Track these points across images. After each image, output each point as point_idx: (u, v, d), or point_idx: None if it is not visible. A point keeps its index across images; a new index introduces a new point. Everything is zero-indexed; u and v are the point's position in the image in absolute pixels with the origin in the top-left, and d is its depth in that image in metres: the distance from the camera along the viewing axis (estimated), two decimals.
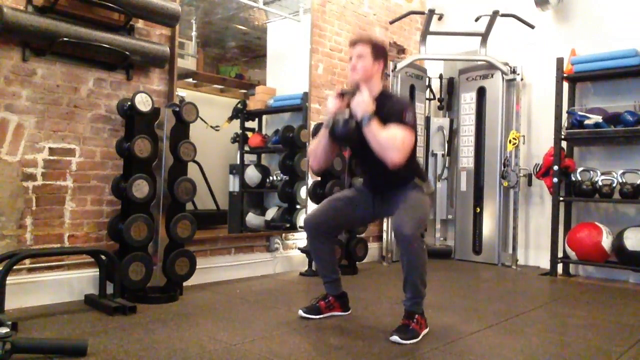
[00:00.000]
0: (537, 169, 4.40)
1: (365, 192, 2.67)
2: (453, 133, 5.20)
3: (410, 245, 2.31)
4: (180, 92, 3.76)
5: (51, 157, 2.85)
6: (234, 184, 4.38)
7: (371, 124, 2.32)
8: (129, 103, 2.96)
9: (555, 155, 4.18)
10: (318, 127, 3.79)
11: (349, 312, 2.77)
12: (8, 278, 2.43)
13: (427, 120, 5.16)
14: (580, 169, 4.19)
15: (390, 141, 2.30)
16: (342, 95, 2.50)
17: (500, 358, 2.17)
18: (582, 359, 2.18)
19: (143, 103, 2.95)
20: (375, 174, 2.60)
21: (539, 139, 4.63)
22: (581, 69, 4.18)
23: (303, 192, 4.16)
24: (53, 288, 2.83)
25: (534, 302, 3.31)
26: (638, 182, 3.87)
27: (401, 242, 2.34)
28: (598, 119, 3.97)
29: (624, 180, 3.94)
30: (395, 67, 4.75)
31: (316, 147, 2.58)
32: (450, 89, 5.29)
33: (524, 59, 4.74)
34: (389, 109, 2.41)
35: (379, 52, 2.53)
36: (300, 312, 2.67)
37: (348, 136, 2.41)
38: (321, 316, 2.67)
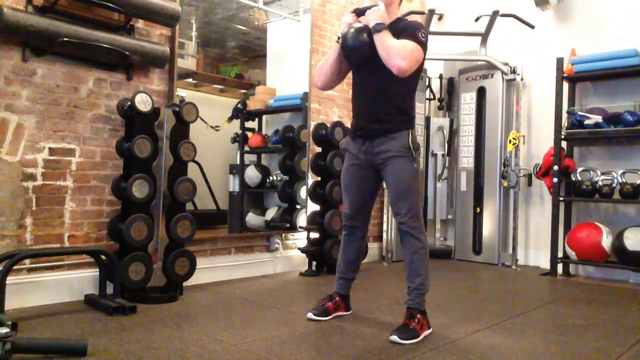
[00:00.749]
0: (537, 169, 4.40)
1: (355, 156, 2.56)
2: (453, 133, 5.20)
3: (412, 231, 2.41)
4: (180, 92, 3.75)
5: (51, 157, 2.85)
6: (234, 184, 4.38)
7: (383, 32, 2.34)
8: (129, 103, 2.96)
9: (555, 155, 4.18)
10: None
11: (350, 311, 2.77)
12: (8, 278, 2.43)
13: (427, 120, 5.16)
14: (580, 169, 4.19)
15: (399, 48, 2.31)
16: (357, 13, 2.50)
17: (500, 358, 2.17)
18: (582, 359, 2.18)
19: (143, 103, 2.95)
20: (370, 102, 2.51)
21: (539, 139, 4.63)
22: (581, 69, 4.19)
23: (303, 192, 4.16)
24: (53, 288, 2.83)
25: (534, 302, 3.31)
26: (638, 182, 3.87)
27: (402, 229, 2.45)
28: (598, 119, 3.97)
29: (624, 180, 3.94)
30: None
31: (324, 63, 2.58)
32: (450, 89, 5.29)
33: (524, 59, 4.74)
34: (402, 28, 2.45)
35: None
36: (310, 315, 2.64)
37: (358, 47, 2.40)
38: (330, 317, 2.67)
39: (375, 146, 2.49)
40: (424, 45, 2.40)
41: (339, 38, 2.48)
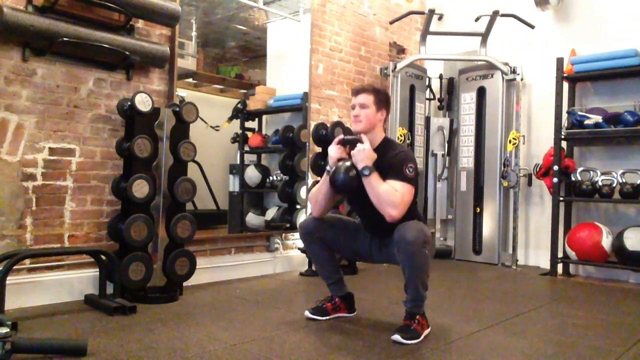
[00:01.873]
0: (537, 169, 4.40)
1: (364, 233, 2.66)
2: (453, 133, 5.20)
3: (411, 248, 2.29)
4: (180, 92, 3.76)
5: (51, 157, 2.85)
6: (234, 184, 4.38)
7: (371, 176, 2.33)
8: (129, 103, 2.96)
9: (555, 155, 4.18)
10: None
11: (355, 313, 2.76)
12: (8, 278, 2.43)
13: (427, 120, 5.16)
14: (580, 169, 4.19)
15: (389, 196, 2.31)
16: (344, 143, 2.50)
17: (500, 358, 2.17)
18: (582, 359, 2.18)
19: (143, 103, 2.95)
20: (374, 223, 2.56)
21: (539, 139, 4.63)
22: (581, 69, 4.19)
23: (303, 192, 4.16)
24: (53, 288, 2.83)
25: (534, 302, 3.31)
26: (638, 182, 3.87)
27: (403, 245, 2.31)
28: (598, 119, 3.97)
29: (624, 180, 3.94)
30: (395, 67, 4.75)
31: (317, 193, 2.59)
32: (450, 89, 5.29)
33: (524, 59, 4.74)
34: (390, 161, 2.41)
35: (382, 100, 2.52)
36: (307, 314, 2.66)
37: (348, 185, 2.40)
38: (327, 317, 2.66)
39: (386, 240, 2.54)
40: (413, 182, 2.39)
41: (328, 170, 2.48)
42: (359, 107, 2.48)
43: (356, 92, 2.54)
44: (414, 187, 2.40)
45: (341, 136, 2.55)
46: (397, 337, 2.30)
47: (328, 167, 2.50)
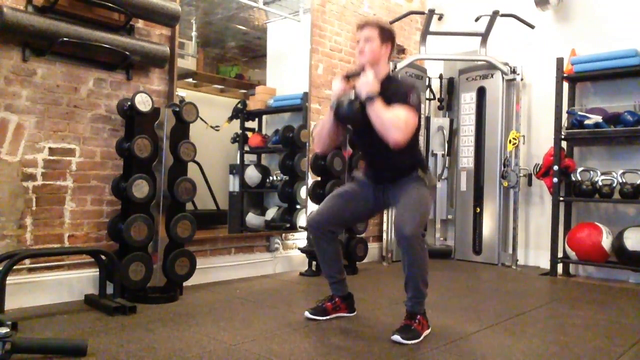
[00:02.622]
0: (537, 169, 4.40)
1: (366, 185, 2.63)
2: (453, 133, 5.20)
3: (411, 245, 2.31)
4: (180, 92, 3.76)
5: (51, 157, 2.85)
6: (234, 184, 4.38)
7: (374, 102, 2.32)
8: (129, 103, 2.96)
9: (555, 155, 4.18)
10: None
11: (355, 313, 2.76)
12: (8, 278, 2.43)
13: (427, 120, 5.16)
14: (580, 169, 4.19)
15: (393, 120, 2.29)
16: (347, 77, 2.50)
17: (500, 358, 2.17)
18: (582, 359, 2.18)
19: (143, 103, 2.95)
20: (378, 160, 2.57)
21: (539, 139, 4.63)
22: (581, 69, 4.18)
23: (303, 192, 4.16)
24: (53, 288, 2.83)
25: (534, 302, 3.31)
26: (638, 182, 3.87)
27: (402, 242, 2.34)
28: (598, 119, 3.97)
29: (624, 180, 3.94)
30: (395, 67, 4.74)
31: (321, 129, 2.58)
32: (450, 89, 5.29)
33: (524, 59, 4.74)
34: (394, 91, 2.42)
35: (387, 35, 2.51)
36: (307, 314, 2.65)
37: (352, 117, 2.42)
38: (327, 317, 2.66)
39: (389, 187, 2.56)
40: (417, 109, 2.39)
41: (332, 106, 2.48)
42: (363, 41, 2.48)
43: (361, 26, 2.53)
44: (417, 116, 2.40)
45: (339, 76, 2.55)
46: (397, 337, 2.30)
47: (331, 103, 2.50)
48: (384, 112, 2.31)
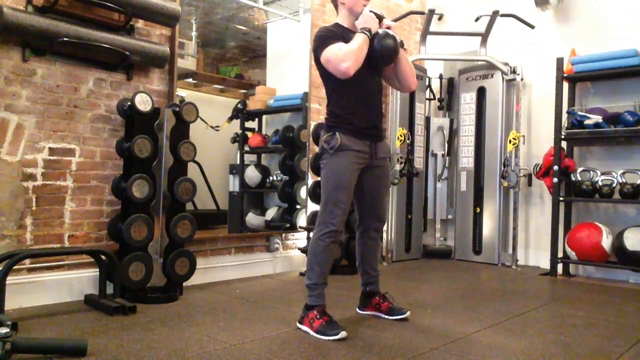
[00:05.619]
0: (537, 169, 4.40)
1: (361, 154, 2.50)
2: (453, 133, 5.20)
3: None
4: (180, 92, 3.75)
5: (51, 157, 2.85)
6: (234, 184, 4.38)
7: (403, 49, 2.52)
8: (129, 103, 2.96)
9: (555, 155, 4.17)
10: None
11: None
12: (8, 278, 2.43)
13: (427, 120, 5.16)
14: (580, 169, 4.19)
15: (412, 68, 2.60)
16: (376, 15, 2.49)
17: (500, 358, 2.17)
18: (582, 359, 2.18)
19: (143, 103, 2.95)
20: (375, 104, 2.60)
21: (539, 139, 4.63)
22: (581, 69, 4.18)
23: (303, 192, 4.16)
24: (53, 288, 2.83)
25: (534, 302, 3.31)
26: (638, 182, 3.87)
27: (380, 229, 2.69)
28: (598, 119, 3.97)
29: (624, 180, 3.94)
30: None
31: (359, 52, 2.37)
32: (450, 89, 5.29)
33: (524, 59, 4.74)
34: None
35: None
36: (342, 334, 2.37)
37: (393, 55, 2.47)
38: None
39: (379, 148, 2.58)
40: None
41: (369, 33, 2.42)
42: None
43: None
44: None
45: (369, 5, 2.53)
46: (405, 314, 2.61)
47: (365, 30, 2.43)
48: (408, 59, 2.56)
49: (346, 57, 2.35)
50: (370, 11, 2.48)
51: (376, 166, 2.59)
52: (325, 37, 2.45)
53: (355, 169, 2.52)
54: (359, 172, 2.53)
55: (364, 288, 2.77)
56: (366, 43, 2.41)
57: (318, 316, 2.40)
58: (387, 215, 4.65)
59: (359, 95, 2.52)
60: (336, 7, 2.64)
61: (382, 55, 2.46)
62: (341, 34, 2.49)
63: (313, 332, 2.37)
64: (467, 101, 4.99)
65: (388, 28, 2.48)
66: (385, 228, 4.70)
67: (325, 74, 2.50)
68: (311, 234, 3.97)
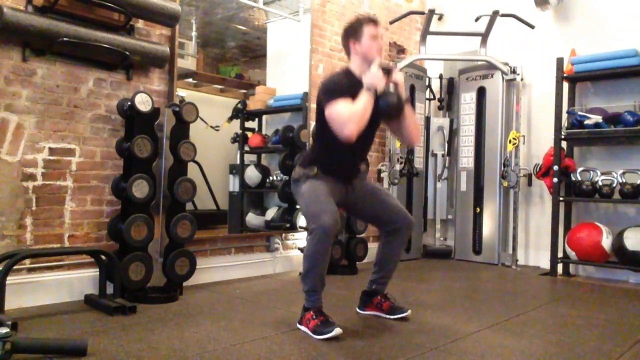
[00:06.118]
0: (537, 169, 4.40)
1: (334, 183, 2.54)
2: (453, 133, 5.20)
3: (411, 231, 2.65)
4: (180, 92, 3.76)
5: (51, 157, 2.85)
6: (234, 184, 4.38)
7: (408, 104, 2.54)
8: (129, 103, 2.96)
9: (555, 155, 4.17)
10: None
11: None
12: (8, 278, 2.43)
13: (427, 120, 5.16)
14: (580, 169, 4.19)
15: (416, 123, 2.65)
16: (384, 70, 2.48)
17: (500, 358, 2.17)
18: (582, 359, 2.18)
19: (143, 103, 2.95)
20: (354, 157, 2.61)
21: (539, 139, 4.63)
22: (581, 69, 4.18)
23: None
24: (53, 288, 2.83)
25: (534, 302, 3.31)
26: (638, 182, 3.87)
27: (410, 228, 2.63)
28: (598, 119, 3.97)
29: (624, 180, 3.94)
30: (395, 67, 4.74)
31: (364, 112, 2.37)
32: (450, 89, 5.29)
33: (524, 59, 4.74)
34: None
35: None
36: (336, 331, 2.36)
37: (401, 110, 2.48)
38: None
39: (354, 183, 2.65)
40: None
41: (371, 90, 2.41)
42: (380, 38, 2.53)
43: (376, 22, 2.55)
44: None
45: (378, 62, 2.48)
46: (408, 312, 2.61)
47: (371, 87, 2.41)
48: (413, 114, 2.58)
49: (350, 120, 2.34)
50: (381, 66, 2.46)
51: (357, 188, 2.63)
52: (332, 91, 2.42)
53: (332, 187, 2.52)
54: (341, 198, 2.58)
55: (369, 286, 2.76)
56: (371, 102, 2.41)
57: (314, 316, 2.39)
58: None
59: (342, 153, 2.52)
60: (348, 53, 2.60)
61: (386, 113, 2.50)
62: (349, 87, 2.43)
63: (310, 332, 2.37)
64: (467, 101, 4.99)
65: (395, 83, 2.48)
66: None
67: (321, 119, 2.50)
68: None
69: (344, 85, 2.44)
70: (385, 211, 2.63)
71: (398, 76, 2.49)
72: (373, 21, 2.54)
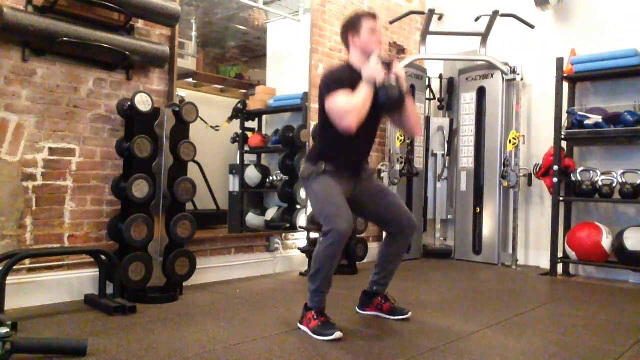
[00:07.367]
0: (537, 169, 4.40)
1: (343, 179, 2.53)
2: (453, 133, 5.20)
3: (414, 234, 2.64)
4: (180, 92, 3.76)
5: (51, 157, 2.85)
6: (234, 184, 4.38)
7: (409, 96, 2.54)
8: (129, 103, 2.96)
9: (555, 155, 4.17)
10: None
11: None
12: (8, 278, 2.43)
13: (427, 120, 5.16)
14: (580, 169, 4.19)
15: (418, 115, 2.66)
16: (384, 63, 2.48)
17: (500, 358, 2.17)
18: (582, 359, 2.18)
19: (143, 103, 2.95)
20: (361, 149, 2.62)
21: (539, 139, 4.63)
22: (581, 69, 4.18)
23: (303, 192, 4.15)
24: (53, 288, 2.83)
25: (534, 302, 3.31)
26: (638, 182, 3.87)
27: (413, 231, 2.61)
28: (598, 119, 3.97)
29: (624, 180, 3.94)
30: None
31: (363, 106, 2.37)
32: (450, 89, 5.29)
33: (524, 59, 4.74)
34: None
35: None
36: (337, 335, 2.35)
37: (403, 102, 2.47)
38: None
39: (362, 174, 2.63)
40: None
41: (376, 84, 2.42)
42: (378, 32, 2.53)
43: (374, 15, 2.57)
44: None
45: (377, 54, 2.48)
46: (410, 313, 2.61)
47: (370, 79, 2.41)
48: (414, 106, 2.58)
49: (350, 112, 2.35)
50: (379, 57, 2.46)
51: (364, 186, 2.62)
52: (332, 83, 2.43)
53: (341, 185, 2.51)
54: (349, 194, 2.53)
55: (370, 287, 2.76)
56: (370, 94, 2.41)
57: (315, 317, 2.39)
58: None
59: (347, 146, 2.52)
60: (347, 46, 2.60)
61: (387, 106, 2.48)
62: (349, 80, 2.43)
63: (310, 332, 2.37)
64: (467, 101, 4.99)
65: (396, 76, 2.46)
66: None
67: (323, 114, 2.50)
68: (311, 234, 4.02)
69: (345, 77, 2.46)
70: (390, 212, 2.61)
71: (399, 69, 2.49)
72: (371, 15, 2.56)
